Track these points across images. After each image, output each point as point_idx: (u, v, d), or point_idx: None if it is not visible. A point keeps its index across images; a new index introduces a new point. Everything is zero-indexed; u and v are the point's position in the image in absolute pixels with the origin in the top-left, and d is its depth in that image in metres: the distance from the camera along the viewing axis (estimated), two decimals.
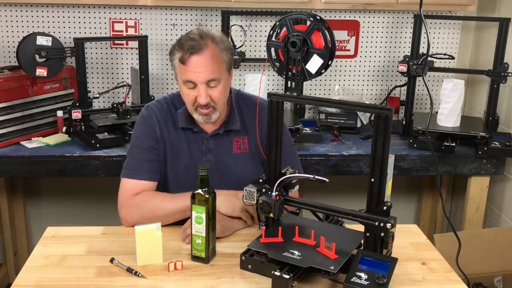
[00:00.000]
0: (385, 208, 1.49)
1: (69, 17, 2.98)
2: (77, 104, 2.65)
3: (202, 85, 1.80)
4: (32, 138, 2.68)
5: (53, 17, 2.97)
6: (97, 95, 2.82)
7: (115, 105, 2.69)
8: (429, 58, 2.79)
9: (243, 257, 1.59)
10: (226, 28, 2.91)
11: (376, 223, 1.49)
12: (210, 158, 1.94)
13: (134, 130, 2.00)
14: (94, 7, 2.97)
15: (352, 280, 1.42)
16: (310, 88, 3.23)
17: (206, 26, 2.22)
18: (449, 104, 2.77)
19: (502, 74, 2.71)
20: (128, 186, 1.92)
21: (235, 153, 1.96)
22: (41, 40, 2.53)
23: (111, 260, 1.62)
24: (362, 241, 1.59)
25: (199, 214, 1.59)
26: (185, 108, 1.92)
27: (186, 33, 1.86)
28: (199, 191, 1.58)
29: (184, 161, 1.93)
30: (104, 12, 3.00)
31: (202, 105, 1.82)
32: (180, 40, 1.83)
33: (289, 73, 2.63)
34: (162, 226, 1.63)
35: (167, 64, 3.12)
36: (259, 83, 1.96)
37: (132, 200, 1.89)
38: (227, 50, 1.86)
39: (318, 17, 2.58)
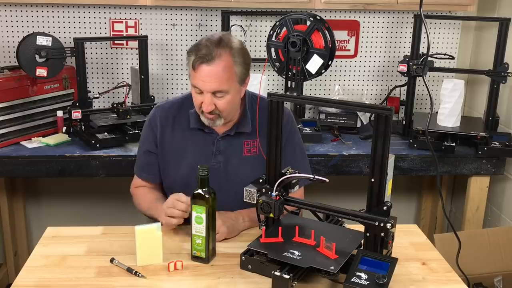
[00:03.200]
0: (385, 208, 1.49)
1: (69, 17, 2.98)
2: (77, 104, 2.65)
3: (207, 94, 1.79)
4: (32, 138, 2.68)
5: (53, 17, 2.97)
6: (97, 95, 2.82)
7: (115, 105, 2.69)
8: (429, 58, 2.79)
9: (243, 257, 1.59)
10: (226, 28, 2.91)
11: (376, 223, 1.49)
12: (220, 159, 1.94)
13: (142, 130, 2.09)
14: (94, 7, 2.97)
15: (352, 280, 1.42)
16: (310, 88, 3.23)
17: (229, 33, 2.12)
18: (449, 104, 2.77)
19: (502, 74, 2.71)
20: (134, 179, 2.10)
21: (244, 155, 1.96)
22: (41, 40, 2.53)
23: (111, 260, 1.62)
24: (362, 241, 1.59)
25: (199, 214, 1.59)
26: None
27: (208, 36, 1.83)
28: (199, 191, 1.59)
29: (190, 162, 1.93)
30: (104, 12, 3.00)
31: (206, 112, 1.83)
32: (200, 42, 1.81)
33: (289, 73, 2.64)
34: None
35: (167, 64, 3.12)
36: (259, 83, 1.95)
37: (133, 192, 2.09)
38: (242, 64, 1.82)
39: (318, 17, 2.59)
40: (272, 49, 2.69)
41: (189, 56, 1.82)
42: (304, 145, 2.09)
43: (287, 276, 1.44)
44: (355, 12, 3.13)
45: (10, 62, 2.93)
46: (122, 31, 3.02)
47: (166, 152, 1.97)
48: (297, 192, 1.72)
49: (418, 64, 2.79)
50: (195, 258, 1.63)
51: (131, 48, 3.05)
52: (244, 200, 1.65)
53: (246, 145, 1.96)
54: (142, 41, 2.78)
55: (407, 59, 2.84)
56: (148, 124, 2.01)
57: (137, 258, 1.61)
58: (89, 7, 2.97)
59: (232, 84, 1.81)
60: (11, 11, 2.93)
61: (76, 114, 2.62)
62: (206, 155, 1.94)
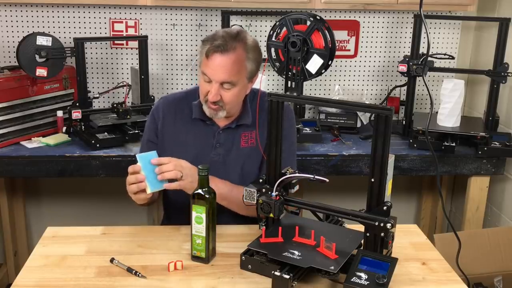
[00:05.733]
0: (385, 208, 1.49)
1: (69, 17, 2.98)
2: (77, 104, 2.65)
3: (216, 84, 1.82)
4: (32, 138, 2.68)
5: (53, 17, 2.97)
6: (97, 95, 2.82)
7: (115, 105, 2.69)
8: (429, 58, 2.79)
9: (243, 257, 1.59)
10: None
11: (376, 223, 1.49)
12: (220, 151, 1.96)
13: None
14: (94, 7, 2.97)
15: (352, 280, 1.42)
16: (310, 88, 3.23)
17: (246, 30, 2.27)
18: (449, 104, 2.77)
19: (502, 74, 2.71)
20: None
21: (242, 147, 1.97)
22: (41, 40, 2.53)
23: (111, 260, 1.62)
24: (362, 241, 1.59)
25: (199, 214, 1.59)
26: (200, 100, 1.95)
27: (226, 29, 1.90)
28: (199, 191, 1.59)
29: (191, 153, 1.94)
30: (104, 12, 3.00)
31: (210, 101, 1.84)
32: (217, 33, 1.85)
33: (289, 73, 2.64)
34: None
35: (167, 64, 3.12)
36: (259, 83, 1.95)
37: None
38: (254, 60, 1.87)
39: (318, 17, 2.59)
40: (272, 49, 2.69)
41: (204, 45, 1.84)
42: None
43: (287, 276, 1.44)
44: (355, 12, 3.13)
45: (10, 62, 2.93)
46: (122, 31, 3.03)
47: (167, 143, 1.98)
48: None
49: (418, 64, 2.79)
50: (195, 258, 1.63)
51: (131, 48, 3.05)
52: (244, 200, 1.65)
53: (243, 137, 1.97)
54: (142, 41, 2.78)
55: (407, 59, 2.84)
56: (151, 114, 2.04)
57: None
58: (89, 7, 2.97)
59: (240, 78, 1.85)
60: (11, 11, 2.93)
61: (76, 114, 2.62)
62: (207, 147, 1.96)
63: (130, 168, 1.72)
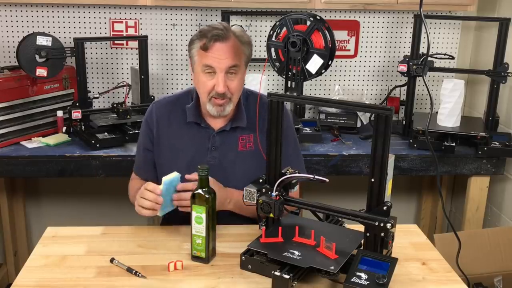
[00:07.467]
0: (385, 208, 1.49)
1: (69, 17, 2.98)
2: (77, 104, 2.65)
3: (221, 73, 1.82)
4: (32, 138, 2.68)
5: (53, 17, 2.97)
6: (97, 95, 2.82)
7: (115, 105, 2.69)
8: (429, 58, 2.79)
9: (243, 257, 1.59)
10: None
11: (376, 223, 1.49)
12: (216, 155, 1.95)
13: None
14: (94, 7, 2.97)
15: (352, 280, 1.42)
16: (310, 88, 3.23)
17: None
18: (449, 104, 2.77)
19: (502, 74, 2.71)
20: (132, 174, 2.14)
21: (239, 150, 1.96)
22: (41, 40, 2.53)
23: (111, 260, 1.62)
24: (362, 241, 1.59)
25: (199, 214, 1.59)
26: (194, 103, 1.95)
27: (207, 25, 1.89)
28: (199, 191, 1.59)
29: (187, 157, 1.94)
30: (104, 12, 3.00)
31: (219, 93, 1.83)
32: (201, 30, 1.87)
33: (289, 73, 2.64)
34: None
35: (167, 64, 3.12)
36: (259, 83, 1.95)
37: (129, 185, 2.11)
38: (247, 44, 1.90)
39: (318, 17, 2.58)
40: (272, 49, 2.69)
41: (194, 43, 1.87)
42: (303, 145, 2.10)
43: (287, 276, 1.44)
44: (355, 12, 3.13)
45: (10, 62, 2.93)
46: (122, 31, 3.03)
47: (162, 147, 1.98)
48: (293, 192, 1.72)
49: (418, 64, 2.79)
50: (195, 258, 1.63)
51: (131, 48, 3.05)
52: (244, 200, 1.65)
53: (241, 140, 1.96)
54: (142, 41, 2.78)
55: (407, 59, 2.84)
56: (144, 120, 2.03)
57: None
58: (89, 7, 2.97)
59: (242, 62, 1.87)
60: (11, 11, 2.93)
61: (76, 114, 2.62)
62: (202, 151, 1.95)
63: (150, 188, 1.71)
